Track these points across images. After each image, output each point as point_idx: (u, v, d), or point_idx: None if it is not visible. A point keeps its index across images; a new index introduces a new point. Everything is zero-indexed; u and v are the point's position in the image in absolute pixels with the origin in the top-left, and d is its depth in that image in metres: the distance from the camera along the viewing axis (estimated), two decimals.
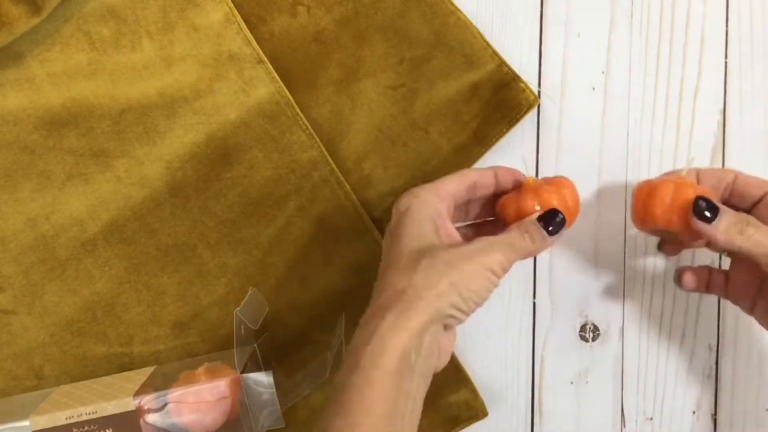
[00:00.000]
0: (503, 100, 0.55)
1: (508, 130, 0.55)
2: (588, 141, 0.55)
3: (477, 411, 0.55)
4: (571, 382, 0.57)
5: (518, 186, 0.48)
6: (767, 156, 0.58)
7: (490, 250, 0.42)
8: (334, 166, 0.54)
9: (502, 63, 0.55)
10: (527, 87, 0.55)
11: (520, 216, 0.46)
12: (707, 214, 0.45)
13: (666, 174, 0.50)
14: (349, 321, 0.55)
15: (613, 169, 0.57)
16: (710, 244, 0.51)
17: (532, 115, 0.56)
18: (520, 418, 0.57)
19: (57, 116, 0.52)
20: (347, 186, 0.54)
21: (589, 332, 0.57)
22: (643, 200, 0.48)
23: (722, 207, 0.45)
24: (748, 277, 0.50)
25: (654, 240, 0.56)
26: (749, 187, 0.48)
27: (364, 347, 0.40)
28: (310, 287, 0.54)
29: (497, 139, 0.55)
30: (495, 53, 0.55)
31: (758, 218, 0.46)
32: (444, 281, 0.41)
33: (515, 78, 0.55)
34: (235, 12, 0.54)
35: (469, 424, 0.56)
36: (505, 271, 0.43)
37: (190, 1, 0.53)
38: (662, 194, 0.47)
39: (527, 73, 0.56)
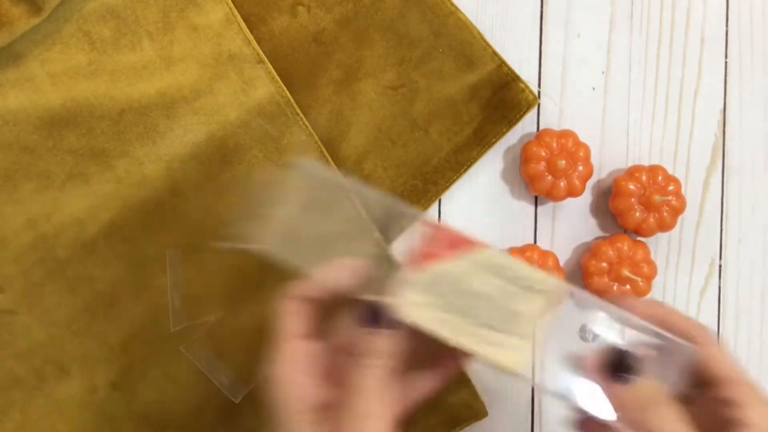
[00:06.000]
0: (503, 100, 0.55)
1: (508, 130, 0.55)
2: (588, 141, 0.55)
3: (477, 411, 0.55)
4: None
5: None
6: (767, 156, 0.58)
7: None
8: (334, 166, 0.54)
9: (502, 63, 0.55)
10: (527, 87, 0.55)
11: None
12: (623, 372, 0.37)
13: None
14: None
15: (612, 169, 0.57)
16: None
17: (532, 115, 0.56)
18: (520, 418, 0.57)
19: (57, 116, 0.52)
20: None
21: (589, 332, 0.57)
22: None
23: (643, 370, 0.37)
24: None
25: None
26: (715, 367, 0.37)
27: None
28: None
29: (497, 139, 0.55)
30: (495, 53, 0.55)
31: (700, 407, 0.37)
32: None
33: (515, 78, 0.55)
34: (235, 12, 0.54)
35: (469, 425, 0.56)
36: None
37: (190, 1, 0.53)
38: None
39: (527, 73, 0.56)
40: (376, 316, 0.37)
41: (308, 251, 0.42)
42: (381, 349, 0.37)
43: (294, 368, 0.37)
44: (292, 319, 0.39)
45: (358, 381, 0.36)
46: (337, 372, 0.38)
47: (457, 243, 0.39)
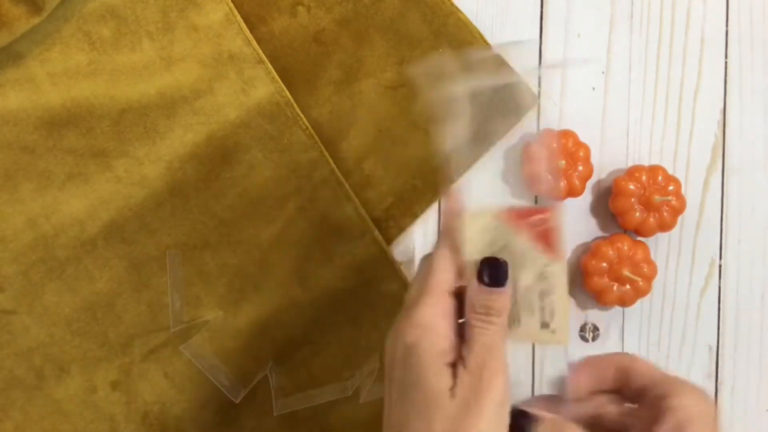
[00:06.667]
0: (503, 101, 0.55)
1: (508, 130, 0.55)
2: (588, 141, 0.55)
3: None
4: None
5: None
6: (767, 156, 0.58)
7: (485, 387, 0.36)
8: (334, 166, 0.54)
9: (502, 63, 0.55)
10: (527, 87, 0.55)
11: None
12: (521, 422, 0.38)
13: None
14: (349, 322, 0.55)
15: (612, 169, 0.57)
16: None
17: (532, 115, 0.56)
18: None
19: (57, 116, 0.52)
20: (347, 186, 0.54)
21: (589, 332, 0.57)
22: None
23: (541, 416, 0.39)
24: None
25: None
26: (640, 375, 0.40)
27: None
28: (310, 287, 0.54)
29: (497, 139, 0.55)
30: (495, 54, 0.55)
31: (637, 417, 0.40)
32: None
33: (515, 78, 0.55)
34: (235, 12, 0.54)
35: None
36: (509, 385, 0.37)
37: (190, 1, 0.53)
38: None
39: (527, 73, 0.56)
40: (498, 277, 0.39)
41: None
42: (503, 306, 0.38)
43: (444, 321, 0.38)
44: (445, 275, 0.39)
45: (486, 338, 0.38)
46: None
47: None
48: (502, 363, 0.37)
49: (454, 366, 0.38)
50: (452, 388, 0.37)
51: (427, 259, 0.41)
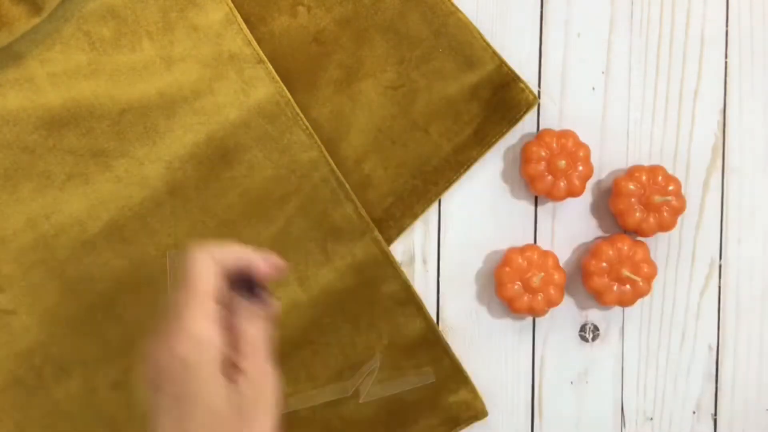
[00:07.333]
0: (503, 100, 0.55)
1: (508, 130, 0.55)
2: (588, 141, 0.55)
3: (477, 411, 0.55)
4: (571, 382, 0.57)
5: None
6: (767, 156, 0.58)
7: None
8: (334, 166, 0.54)
9: (502, 63, 0.55)
10: (527, 87, 0.55)
11: None
12: None
13: None
14: (349, 322, 0.55)
15: (612, 169, 0.57)
16: None
17: (532, 115, 0.56)
18: (520, 418, 0.57)
19: (57, 116, 0.52)
20: (347, 186, 0.54)
21: (589, 332, 0.57)
22: None
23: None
24: None
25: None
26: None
27: None
28: (310, 287, 0.54)
29: (497, 139, 0.55)
30: (495, 53, 0.55)
31: None
32: None
33: (515, 78, 0.55)
34: (235, 12, 0.54)
35: (468, 425, 0.56)
36: None
37: (190, 1, 0.53)
38: None
39: (527, 73, 0.56)
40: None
41: None
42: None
43: (215, 329, 0.37)
44: (209, 279, 0.38)
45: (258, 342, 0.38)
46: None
47: None
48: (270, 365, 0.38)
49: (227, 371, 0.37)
50: (230, 398, 0.37)
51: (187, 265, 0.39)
